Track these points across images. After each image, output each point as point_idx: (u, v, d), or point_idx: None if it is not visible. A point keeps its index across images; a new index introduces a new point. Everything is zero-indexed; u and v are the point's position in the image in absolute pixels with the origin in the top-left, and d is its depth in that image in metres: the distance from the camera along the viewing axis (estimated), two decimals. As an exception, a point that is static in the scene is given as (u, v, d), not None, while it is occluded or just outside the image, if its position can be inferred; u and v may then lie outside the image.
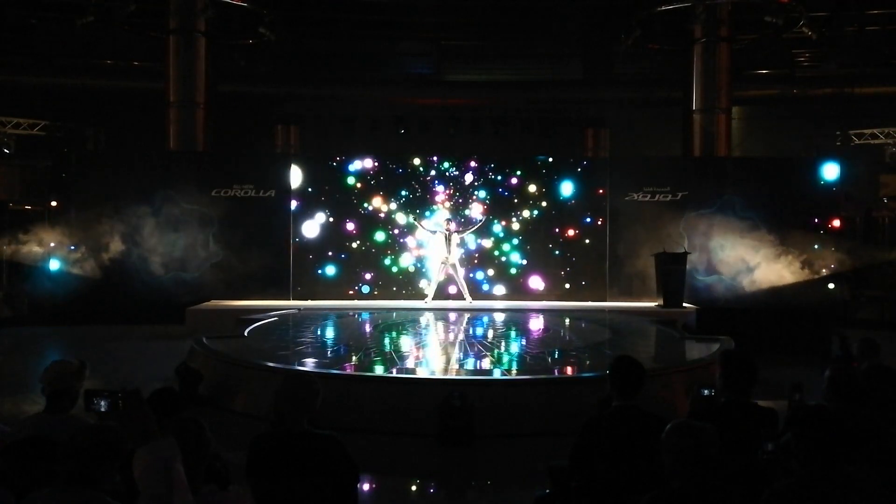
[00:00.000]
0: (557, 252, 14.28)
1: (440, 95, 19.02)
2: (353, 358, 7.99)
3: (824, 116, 18.17)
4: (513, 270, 14.34)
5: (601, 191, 14.28)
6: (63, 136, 17.74)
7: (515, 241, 14.35)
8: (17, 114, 17.26)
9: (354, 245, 14.21)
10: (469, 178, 14.42)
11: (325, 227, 14.14)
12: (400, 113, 18.07)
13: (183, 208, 13.66)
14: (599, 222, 14.23)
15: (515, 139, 18.05)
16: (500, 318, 12.12)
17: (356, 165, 14.38)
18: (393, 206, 14.32)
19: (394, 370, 7.43)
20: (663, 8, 15.60)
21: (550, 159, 14.74)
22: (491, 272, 14.31)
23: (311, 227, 14.11)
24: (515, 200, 14.37)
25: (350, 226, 14.19)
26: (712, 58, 15.42)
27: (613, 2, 17.33)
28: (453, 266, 13.05)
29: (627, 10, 16.61)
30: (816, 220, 13.97)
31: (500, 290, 14.24)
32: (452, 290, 13.72)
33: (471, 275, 13.99)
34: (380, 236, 14.25)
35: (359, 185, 14.31)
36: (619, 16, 17.24)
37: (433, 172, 14.48)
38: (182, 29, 15.04)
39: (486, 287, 14.21)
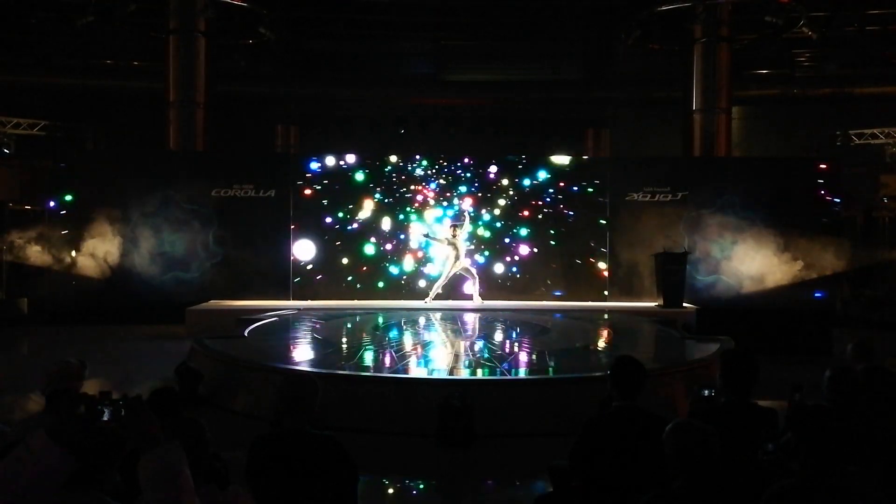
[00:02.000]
0: (557, 251, 14.27)
1: (440, 95, 19.02)
2: (353, 358, 7.98)
3: (824, 116, 18.17)
4: (512, 268, 14.34)
5: (601, 191, 14.27)
6: (63, 136, 17.75)
7: (514, 241, 14.34)
8: (17, 114, 17.27)
9: (354, 245, 14.20)
10: (476, 174, 14.44)
11: (324, 232, 14.12)
12: (400, 113, 18.06)
13: (183, 208, 13.66)
14: (599, 222, 14.23)
15: (515, 139, 18.05)
16: (500, 318, 12.11)
17: (356, 165, 14.37)
18: (393, 205, 14.31)
19: (394, 370, 7.42)
20: (663, 8, 15.62)
21: (551, 158, 14.74)
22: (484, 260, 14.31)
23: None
24: (516, 200, 14.36)
25: (351, 227, 14.18)
26: (712, 58, 15.43)
27: (613, 2, 17.33)
28: (466, 269, 13.02)
29: (627, 11, 16.62)
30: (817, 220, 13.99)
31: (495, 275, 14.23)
32: (448, 289, 13.74)
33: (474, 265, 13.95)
34: (380, 233, 14.25)
35: (358, 184, 14.30)
36: (620, 16, 17.24)
37: (430, 172, 14.47)
38: (182, 29, 15.05)
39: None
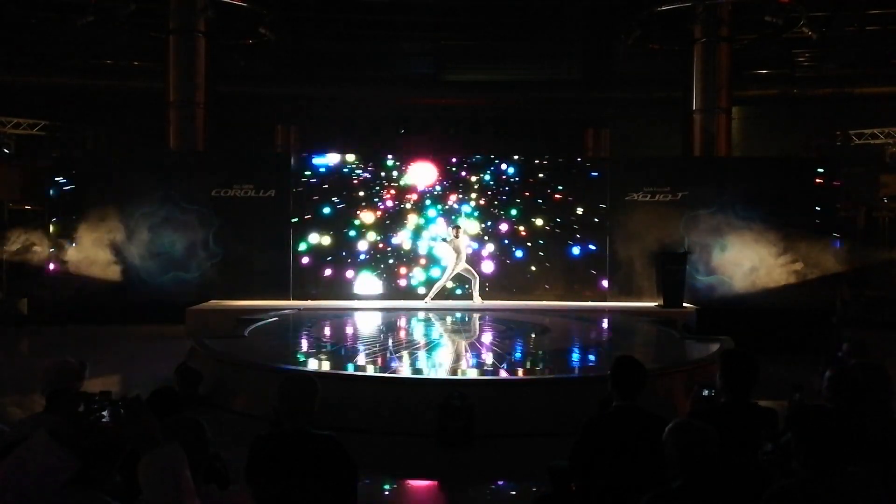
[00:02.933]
0: (557, 251, 14.26)
1: (440, 95, 19.02)
2: (354, 358, 7.99)
3: (824, 116, 18.17)
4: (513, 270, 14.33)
5: (601, 191, 14.26)
6: (63, 136, 17.74)
7: (513, 241, 14.33)
8: (17, 114, 17.26)
9: (356, 246, 14.20)
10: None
11: (328, 230, 14.13)
12: (400, 113, 18.06)
13: (183, 208, 13.66)
14: (599, 222, 14.22)
15: (515, 139, 18.04)
16: (500, 318, 12.11)
17: (358, 165, 14.37)
18: (393, 206, 14.30)
19: (393, 370, 7.42)
20: (663, 8, 15.61)
21: (549, 159, 14.74)
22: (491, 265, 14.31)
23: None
24: (516, 201, 14.34)
25: (351, 229, 14.19)
26: (712, 58, 15.43)
27: (613, 2, 17.33)
28: (467, 270, 13.04)
29: (627, 10, 16.61)
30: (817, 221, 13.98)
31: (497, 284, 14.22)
32: (453, 290, 13.75)
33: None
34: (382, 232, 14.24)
35: (358, 185, 14.30)
36: (619, 16, 17.24)
37: (429, 172, 14.46)
38: (182, 29, 15.05)
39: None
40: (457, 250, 12.82)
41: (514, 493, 5.30)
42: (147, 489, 2.08)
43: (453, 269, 12.93)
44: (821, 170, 14.39)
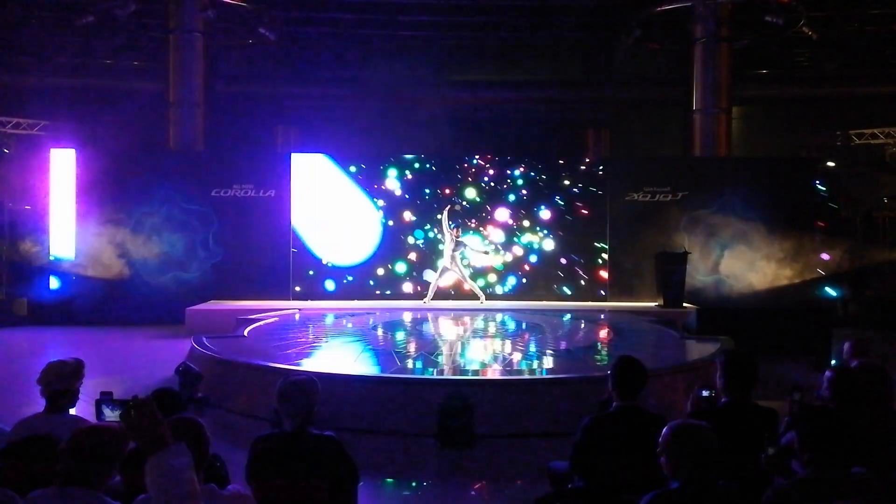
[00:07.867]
0: (557, 251, 14.26)
1: (440, 95, 19.01)
2: (354, 358, 7.98)
3: (824, 116, 18.17)
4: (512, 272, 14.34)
5: (601, 191, 14.26)
6: (63, 136, 17.71)
7: (514, 241, 14.34)
8: (17, 114, 17.25)
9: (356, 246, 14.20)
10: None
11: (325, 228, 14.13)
12: (400, 113, 18.04)
13: (183, 208, 13.67)
14: (599, 222, 14.21)
15: (515, 139, 18.03)
16: (500, 318, 12.11)
17: (356, 166, 14.38)
18: (394, 206, 14.31)
19: (394, 370, 7.41)
20: (663, 8, 15.62)
21: (549, 158, 14.74)
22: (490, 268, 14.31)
23: None
24: (515, 200, 14.35)
25: (352, 226, 14.18)
26: (712, 58, 15.44)
27: (613, 2, 17.32)
28: (458, 268, 13.07)
29: (627, 10, 16.61)
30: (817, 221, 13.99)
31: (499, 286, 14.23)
32: (450, 289, 13.76)
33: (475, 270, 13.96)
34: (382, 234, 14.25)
35: (359, 186, 14.31)
36: (619, 16, 17.24)
37: (430, 172, 14.47)
38: (182, 29, 15.05)
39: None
40: (452, 248, 12.85)
41: (514, 493, 5.29)
42: (154, 490, 2.07)
43: (444, 267, 12.99)
44: (820, 169, 14.41)
